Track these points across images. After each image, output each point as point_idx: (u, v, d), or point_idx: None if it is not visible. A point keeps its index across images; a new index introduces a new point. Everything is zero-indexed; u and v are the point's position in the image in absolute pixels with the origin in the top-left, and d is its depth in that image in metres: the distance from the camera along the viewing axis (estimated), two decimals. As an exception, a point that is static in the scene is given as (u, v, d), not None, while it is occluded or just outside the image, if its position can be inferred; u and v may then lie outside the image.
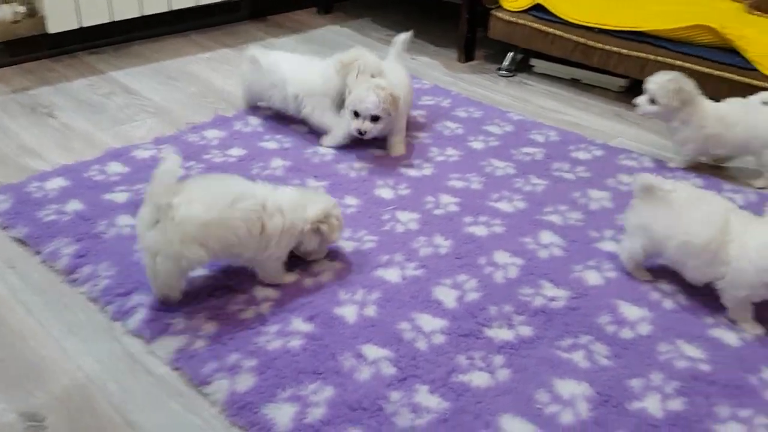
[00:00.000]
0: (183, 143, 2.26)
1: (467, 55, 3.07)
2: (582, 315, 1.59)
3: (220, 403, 1.34)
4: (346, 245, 1.78)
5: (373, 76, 2.20)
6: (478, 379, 1.40)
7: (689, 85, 2.11)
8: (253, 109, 2.49)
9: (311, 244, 1.65)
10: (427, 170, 2.17)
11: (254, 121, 2.42)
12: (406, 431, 1.28)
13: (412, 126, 2.44)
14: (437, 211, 1.96)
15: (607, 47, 2.59)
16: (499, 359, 1.45)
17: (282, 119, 2.41)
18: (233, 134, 2.32)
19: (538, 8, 2.76)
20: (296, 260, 1.69)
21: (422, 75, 2.89)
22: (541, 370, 1.43)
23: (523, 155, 2.29)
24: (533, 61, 2.98)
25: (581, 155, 2.30)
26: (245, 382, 1.37)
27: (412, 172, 2.15)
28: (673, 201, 1.61)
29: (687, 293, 1.66)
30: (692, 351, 1.49)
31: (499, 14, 2.86)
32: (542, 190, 2.09)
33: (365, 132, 2.12)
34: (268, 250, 1.56)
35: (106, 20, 2.83)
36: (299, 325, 1.52)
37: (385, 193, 2.03)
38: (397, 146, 2.26)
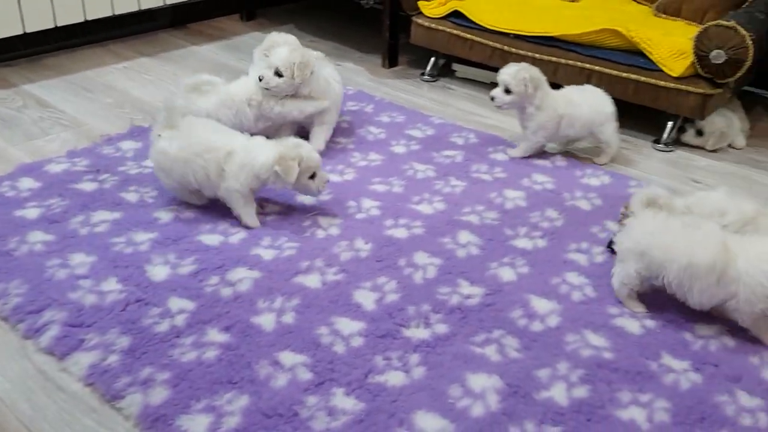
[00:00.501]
0: (97, 156, 2.22)
1: (391, 61, 3.11)
2: (496, 310, 1.64)
3: (133, 417, 1.33)
4: (266, 253, 1.79)
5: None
6: (394, 378, 1.43)
7: (537, 72, 2.26)
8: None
9: (276, 185, 1.88)
10: (350, 175, 2.20)
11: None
12: (322, 434, 1.30)
13: (336, 131, 2.46)
14: (359, 216, 1.98)
15: (522, 52, 2.67)
16: (415, 358, 1.49)
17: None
18: (149, 145, 2.27)
19: (457, 15, 2.83)
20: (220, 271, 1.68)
21: (347, 81, 2.91)
22: (455, 365, 1.47)
23: (444, 158, 2.34)
24: (455, 66, 3.05)
25: (499, 156, 2.37)
26: (159, 394, 1.36)
27: (335, 178, 2.17)
28: (670, 222, 1.59)
29: (594, 285, 1.74)
30: (597, 340, 1.56)
31: (420, 21, 2.91)
32: (461, 191, 2.15)
33: (262, 78, 2.16)
34: (226, 182, 1.85)
35: (18, 32, 2.75)
36: (215, 335, 1.52)
37: (307, 199, 2.04)
38: (317, 139, 2.28)
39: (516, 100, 2.25)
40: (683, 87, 2.36)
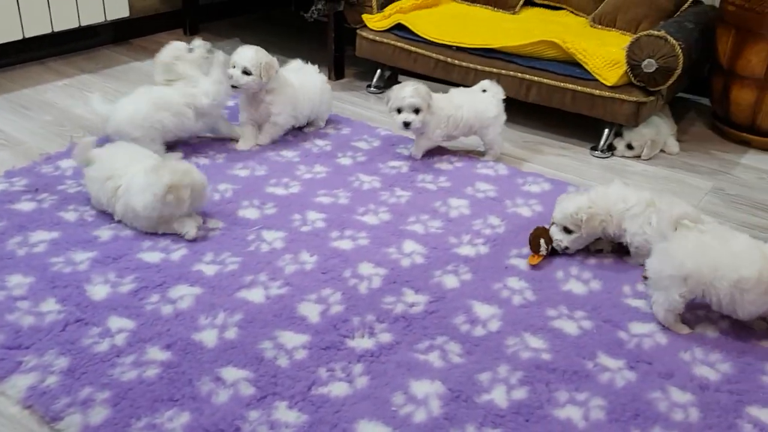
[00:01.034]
0: (36, 175, 2.17)
1: (337, 74, 3.14)
2: (439, 317, 1.67)
3: (72, 440, 1.31)
4: (208, 269, 1.78)
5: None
6: (338, 389, 1.44)
7: (424, 89, 2.33)
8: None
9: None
10: (295, 188, 2.20)
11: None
12: (265, 448, 1.30)
13: (281, 144, 2.47)
14: (304, 228, 1.99)
15: (464, 64, 2.73)
16: (358, 368, 1.50)
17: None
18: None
19: (401, 28, 2.88)
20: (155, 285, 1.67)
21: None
22: (398, 373, 1.49)
23: (390, 169, 2.37)
24: (401, 78, 3.08)
25: (444, 166, 2.41)
26: (98, 415, 1.35)
27: (279, 191, 2.17)
28: (705, 240, 1.62)
29: (533, 289, 1.78)
30: (536, 342, 1.60)
31: (365, 33, 2.95)
32: (406, 201, 2.17)
33: (232, 77, 2.32)
34: (122, 200, 1.90)
35: (-46, 50, 2.68)
36: (156, 353, 1.50)
37: (251, 213, 2.04)
38: (263, 135, 2.46)
39: (426, 115, 2.31)
40: (617, 95, 2.45)
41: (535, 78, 2.59)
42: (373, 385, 1.45)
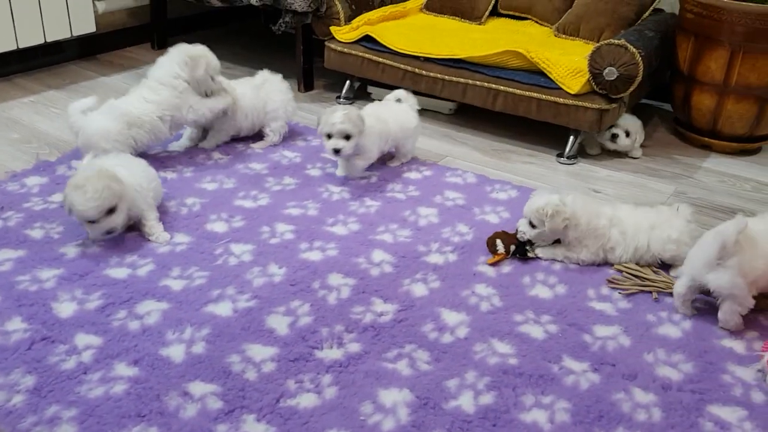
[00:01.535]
0: (1, 193, 2.15)
1: (306, 85, 3.15)
2: (408, 326, 1.68)
3: (36, 460, 1.29)
4: (175, 284, 1.77)
5: None
6: (306, 400, 1.44)
7: (355, 112, 2.26)
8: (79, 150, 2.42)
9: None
10: (264, 200, 2.21)
11: (78, 165, 2.34)
12: (233, 461, 1.30)
13: (250, 157, 2.48)
14: (273, 240, 2.00)
15: (432, 74, 2.76)
16: (327, 378, 1.50)
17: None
18: (56, 179, 2.25)
19: (368, 39, 2.90)
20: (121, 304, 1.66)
21: (263, 107, 2.93)
22: (367, 383, 1.50)
23: (359, 179, 2.38)
24: (370, 89, 3.11)
25: (413, 175, 2.43)
26: (64, 433, 1.34)
27: (248, 204, 2.18)
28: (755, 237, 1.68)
29: (501, 295, 1.81)
30: (503, 347, 1.62)
31: (333, 45, 2.97)
32: (375, 211, 2.19)
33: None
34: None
35: None
36: (123, 369, 1.49)
37: (219, 226, 2.04)
38: (209, 140, 2.53)
39: (357, 141, 2.24)
40: (581, 103, 2.50)
41: (502, 87, 2.63)
42: (341, 396, 1.46)
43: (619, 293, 1.83)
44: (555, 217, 1.89)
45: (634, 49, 2.44)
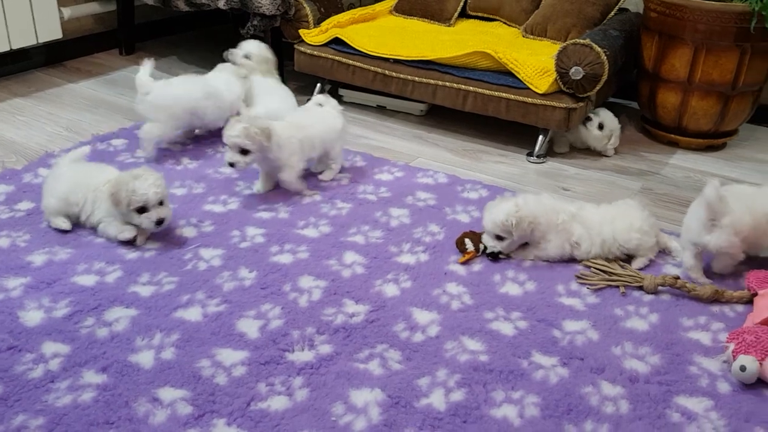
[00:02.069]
0: (-35, 202, 2.12)
1: (277, 89, 3.15)
2: (379, 326, 1.69)
3: (2, 471, 1.28)
4: (144, 290, 1.76)
5: None
6: (277, 403, 1.44)
7: (262, 122, 2.15)
8: (46, 158, 2.39)
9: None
10: (233, 204, 2.20)
11: (45, 172, 2.31)
12: (204, 466, 1.29)
13: (220, 161, 2.46)
14: (243, 245, 1.99)
15: (402, 76, 2.78)
16: (298, 381, 1.50)
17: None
18: (22, 187, 2.22)
19: (338, 42, 2.91)
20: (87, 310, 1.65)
21: (233, 111, 2.92)
22: (338, 384, 1.50)
23: (330, 181, 2.39)
24: (342, 91, 3.12)
25: (384, 177, 2.44)
26: (30, 444, 1.32)
27: (218, 208, 2.17)
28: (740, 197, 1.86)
29: (471, 293, 1.82)
30: (473, 345, 1.63)
31: (302, 48, 2.97)
32: (347, 213, 2.19)
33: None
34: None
35: None
36: (92, 377, 1.48)
37: (188, 232, 2.03)
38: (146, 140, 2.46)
39: (257, 156, 2.15)
40: (549, 103, 2.53)
41: (471, 88, 2.66)
42: (312, 397, 1.46)
43: (588, 288, 1.86)
44: (521, 224, 1.91)
45: (599, 49, 2.48)
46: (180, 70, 3.35)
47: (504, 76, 2.62)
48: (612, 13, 2.93)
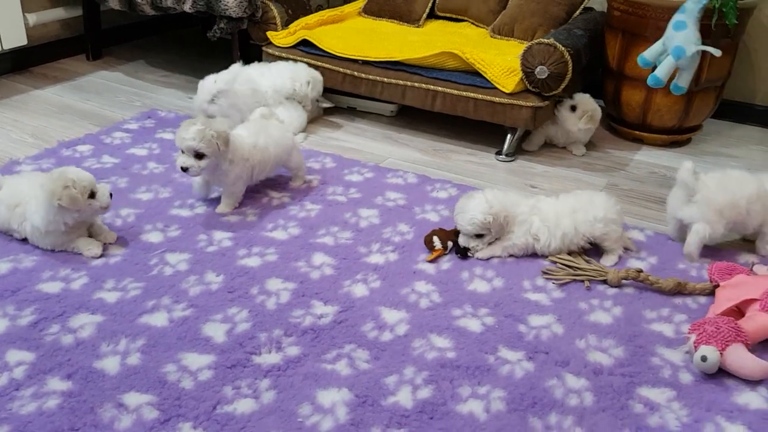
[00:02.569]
0: (-74, 211, 2.08)
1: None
2: (348, 326, 1.69)
3: (-37, 483, 1.26)
4: (109, 296, 1.74)
5: None
6: (243, 406, 1.44)
7: (221, 125, 2.06)
8: (11, 165, 2.36)
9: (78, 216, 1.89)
10: (201, 209, 2.19)
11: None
12: (169, 471, 1.29)
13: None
14: (210, 248, 1.98)
15: (371, 77, 2.79)
16: (265, 383, 1.50)
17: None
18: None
19: (306, 43, 2.91)
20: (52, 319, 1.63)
21: (203, 115, 2.91)
22: (305, 385, 1.50)
23: (300, 185, 2.39)
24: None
25: (354, 178, 2.45)
26: (-8, 454, 1.30)
27: (184, 213, 2.16)
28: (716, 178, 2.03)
29: (440, 291, 1.84)
30: (441, 342, 1.65)
31: (270, 50, 2.97)
32: (316, 214, 2.20)
33: None
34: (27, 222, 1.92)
35: None
36: (56, 384, 1.46)
37: (154, 237, 2.02)
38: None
39: (212, 162, 2.03)
40: (515, 102, 2.56)
41: (440, 88, 2.67)
42: (279, 399, 1.46)
43: (554, 283, 1.88)
44: (497, 219, 1.94)
45: (563, 48, 2.51)
46: (146, 73, 3.33)
47: (472, 76, 2.64)
48: (577, 13, 2.97)
